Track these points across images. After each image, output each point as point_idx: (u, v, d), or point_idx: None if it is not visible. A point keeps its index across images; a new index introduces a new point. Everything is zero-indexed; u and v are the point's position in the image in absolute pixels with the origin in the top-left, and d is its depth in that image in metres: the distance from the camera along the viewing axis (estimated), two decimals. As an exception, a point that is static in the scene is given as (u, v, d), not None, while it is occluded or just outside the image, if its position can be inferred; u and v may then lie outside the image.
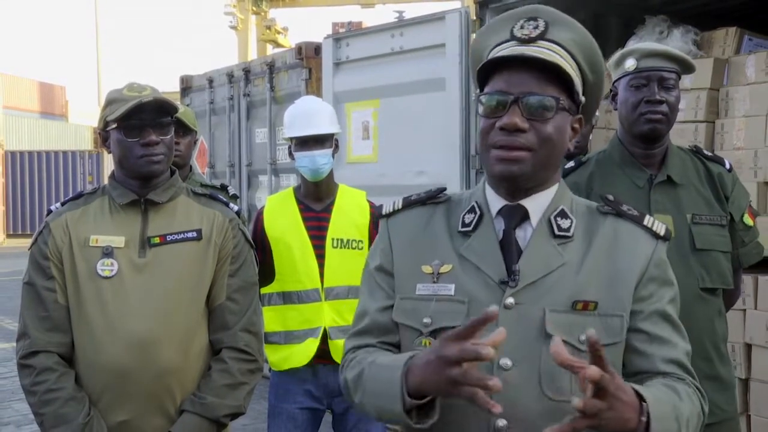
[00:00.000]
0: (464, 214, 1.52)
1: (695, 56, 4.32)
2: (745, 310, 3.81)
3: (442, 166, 4.66)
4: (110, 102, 2.20)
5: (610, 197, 1.54)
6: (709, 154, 2.51)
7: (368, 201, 3.25)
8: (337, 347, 3.03)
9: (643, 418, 1.26)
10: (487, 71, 1.46)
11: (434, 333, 1.44)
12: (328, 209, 3.14)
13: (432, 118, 4.79)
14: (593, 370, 1.17)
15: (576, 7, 4.50)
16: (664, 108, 2.34)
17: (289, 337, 3.08)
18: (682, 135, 4.10)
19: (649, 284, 1.46)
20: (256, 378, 2.31)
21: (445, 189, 1.62)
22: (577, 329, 1.39)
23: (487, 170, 1.49)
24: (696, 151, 2.51)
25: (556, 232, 1.46)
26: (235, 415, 2.25)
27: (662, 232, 1.49)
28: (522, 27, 1.46)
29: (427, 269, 1.49)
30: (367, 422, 3.12)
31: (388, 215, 1.60)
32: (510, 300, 1.41)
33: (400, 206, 1.60)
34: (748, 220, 2.45)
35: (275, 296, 3.11)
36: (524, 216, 1.47)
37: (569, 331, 1.39)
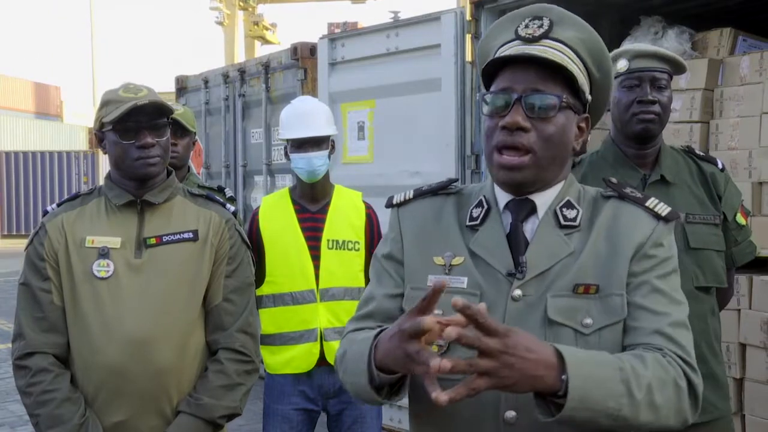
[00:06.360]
0: (472, 209, 1.52)
1: (690, 57, 4.33)
2: (739, 310, 3.81)
3: (437, 166, 4.65)
4: (106, 103, 2.19)
5: (613, 180, 1.54)
6: (702, 153, 2.54)
7: (364, 202, 3.24)
8: (332, 349, 3.01)
9: (564, 377, 1.23)
10: (492, 71, 1.46)
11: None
12: (324, 210, 3.13)
13: (427, 119, 4.79)
14: (448, 330, 1.15)
15: (571, 7, 4.51)
16: (656, 108, 2.36)
17: (285, 339, 3.07)
18: (677, 135, 4.12)
19: (643, 260, 1.42)
20: (253, 379, 2.30)
21: (456, 180, 1.61)
22: (580, 313, 1.38)
23: (491, 175, 1.49)
24: (688, 151, 2.52)
25: (563, 222, 1.46)
26: (231, 416, 2.25)
27: (664, 213, 1.46)
28: (526, 26, 1.46)
29: (438, 260, 1.48)
30: (362, 424, 3.12)
31: (399, 204, 1.60)
32: (517, 292, 1.41)
33: (411, 196, 1.59)
34: (740, 219, 2.48)
35: (266, 298, 3.09)
36: (532, 209, 1.47)
37: (571, 315, 1.38)
